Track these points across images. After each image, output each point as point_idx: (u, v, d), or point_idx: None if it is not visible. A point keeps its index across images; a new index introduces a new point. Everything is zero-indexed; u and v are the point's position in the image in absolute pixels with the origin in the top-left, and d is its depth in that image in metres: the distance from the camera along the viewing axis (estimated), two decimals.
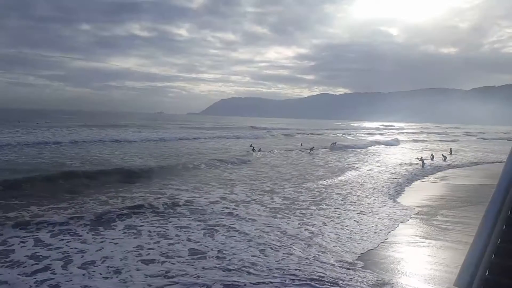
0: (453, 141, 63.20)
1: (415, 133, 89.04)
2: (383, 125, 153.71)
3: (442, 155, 31.63)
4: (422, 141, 60.37)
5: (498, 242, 2.94)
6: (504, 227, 2.99)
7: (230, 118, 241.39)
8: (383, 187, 17.85)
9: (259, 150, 31.51)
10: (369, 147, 42.87)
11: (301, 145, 39.99)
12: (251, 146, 33.38)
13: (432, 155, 30.73)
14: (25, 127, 47.97)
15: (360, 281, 7.21)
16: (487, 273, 2.82)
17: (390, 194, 16.21)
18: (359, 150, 39.03)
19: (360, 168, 23.89)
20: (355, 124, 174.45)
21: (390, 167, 24.70)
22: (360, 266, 8.04)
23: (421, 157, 27.56)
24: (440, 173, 23.70)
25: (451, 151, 35.27)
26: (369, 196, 15.48)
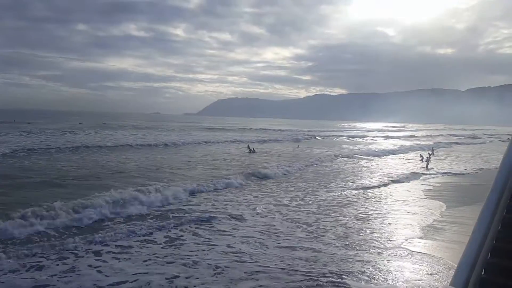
0: (483, 143, 62.44)
1: (443, 136, 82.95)
2: (394, 127, 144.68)
3: (428, 153, 33.19)
4: (449, 143, 56.01)
5: (494, 242, 2.93)
6: (499, 227, 2.99)
7: (229, 119, 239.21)
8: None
9: (254, 151, 32.78)
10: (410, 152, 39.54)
11: (298, 147, 41.57)
12: (248, 147, 34.51)
13: (421, 155, 32.03)
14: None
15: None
16: (483, 273, 2.79)
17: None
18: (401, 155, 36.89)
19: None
20: (359, 125, 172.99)
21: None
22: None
23: (425, 157, 29.66)
24: (433, 173, 24.32)
25: (432, 150, 36.88)
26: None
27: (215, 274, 7.42)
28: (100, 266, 7.58)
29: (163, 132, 57.83)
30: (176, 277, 7.23)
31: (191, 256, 8.33)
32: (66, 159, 23.57)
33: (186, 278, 7.23)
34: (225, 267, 7.76)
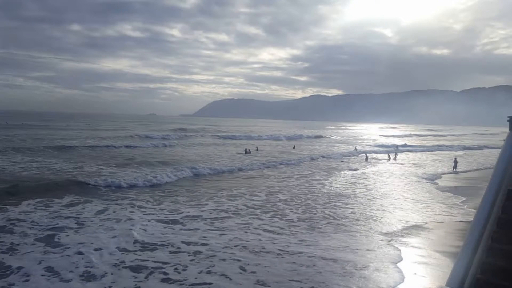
0: None
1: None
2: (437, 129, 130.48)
3: (394, 154, 37.45)
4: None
5: (490, 243, 2.95)
6: (495, 227, 3.01)
7: (228, 121, 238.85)
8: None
9: (250, 152, 34.34)
10: None
11: (294, 147, 43.37)
12: (245, 151, 35.32)
13: (389, 155, 36.14)
14: None
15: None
16: (478, 273, 2.80)
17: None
18: None
19: None
20: (368, 125, 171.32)
21: None
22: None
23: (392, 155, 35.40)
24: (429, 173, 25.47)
25: (397, 148, 42.60)
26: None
27: None
28: None
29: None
30: None
31: None
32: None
33: None
34: None
